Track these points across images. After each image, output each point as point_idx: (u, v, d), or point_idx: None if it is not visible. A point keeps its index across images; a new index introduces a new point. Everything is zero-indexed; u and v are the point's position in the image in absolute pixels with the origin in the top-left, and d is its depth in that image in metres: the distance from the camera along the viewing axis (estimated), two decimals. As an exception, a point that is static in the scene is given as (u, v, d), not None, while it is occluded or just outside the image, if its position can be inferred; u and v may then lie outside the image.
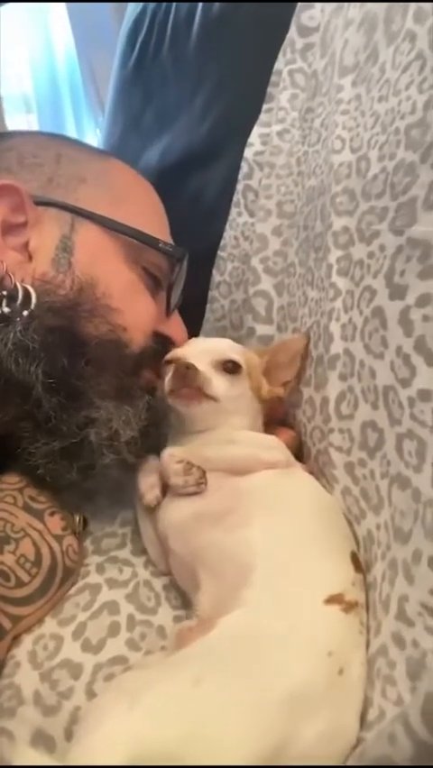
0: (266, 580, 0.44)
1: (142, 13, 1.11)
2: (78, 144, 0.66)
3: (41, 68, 2.21)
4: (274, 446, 0.55)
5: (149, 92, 1.07)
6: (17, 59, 2.15)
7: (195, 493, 0.52)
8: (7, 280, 0.51)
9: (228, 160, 0.85)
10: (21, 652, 0.46)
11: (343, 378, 0.52)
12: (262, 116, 0.77)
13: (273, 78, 0.76)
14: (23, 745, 0.37)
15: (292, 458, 0.55)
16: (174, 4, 1.03)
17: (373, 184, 0.52)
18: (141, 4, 1.13)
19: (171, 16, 1.03)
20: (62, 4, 1.88)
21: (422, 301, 0.43)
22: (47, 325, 0.51)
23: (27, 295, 0.51)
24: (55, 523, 0.52)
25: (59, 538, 0.51)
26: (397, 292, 0.46)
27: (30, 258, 0.54)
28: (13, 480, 0.53)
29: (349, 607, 0.43)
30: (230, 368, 0.57)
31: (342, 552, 0.47)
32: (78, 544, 0.52)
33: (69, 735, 0.42)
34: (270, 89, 0.77)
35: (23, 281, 0.52)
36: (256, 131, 0.77)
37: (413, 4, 0.52)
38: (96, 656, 0.47)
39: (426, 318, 0.43)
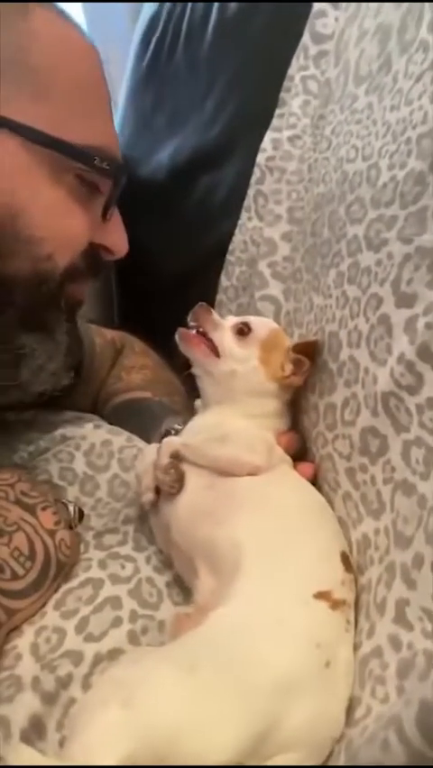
0: (253, 576, 0.45)
1: (158, 13, 1.12)
2: None
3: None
4: (258, 449, 0.54)
5: (162, 92, 1.08)
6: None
7: (172, 493, 0.53)
8: None
9: (238, 162, 0.86)
10: (23, 643, 0.47)
11: (347, 384, 0.52)
12: (275, 121, 0.78)
13: (286, 84, 0.77)
14: (19, 743, 0.38)
15: (277, 459, 0.55)
16: (189, 5, 1.04)
17: (382, 192, 0.52)
18: (156, 3, 1.14)
19: (186, 17, 1.04)
20: (78, 3, 1.88)
21: (429, 309, 0.44)
22: None
23: None
24: (47, 517, 0.52)
25: (51, 533, 0.51)
26: (404, 300, 0.47)
27: None
28: (5, 476, 0.53)
29: (336, 604, 0.44)
30: (241, 329, 0.57)
31: (331, 551, 0.48)
32: (70, 538, 0.52)
33: (60, 725, 0.43)
34: (282, 94, 0.78)
35: None
36: (268, 136, 0.77)
37: (428, 15, 0.52)
38: (98, 644, 0.47)
39: (429, 326, 0.43)
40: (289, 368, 0.56)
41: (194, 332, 0.58)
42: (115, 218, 0.55)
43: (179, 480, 0.53)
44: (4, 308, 0.48)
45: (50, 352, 0.52)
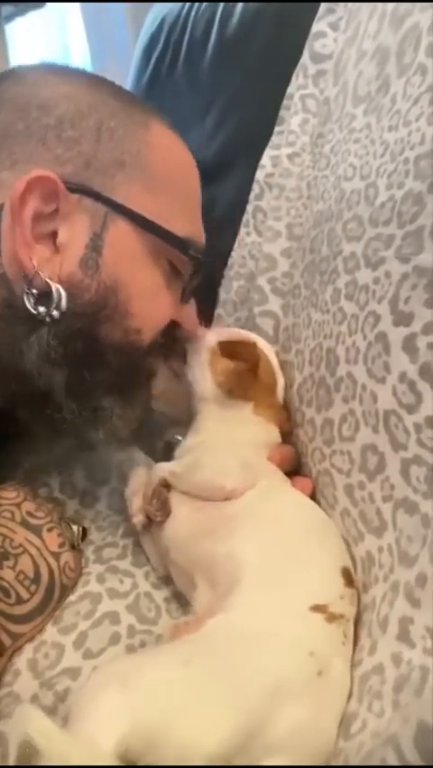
0: (251, 588, 0.46)
1: (158, 30, 1.13)
2: (119, 99, 0.57)
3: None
4: (231, 472, 0.54)
5: (162, 107, 1.08)
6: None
7: (158, 520, 0.54)
8: (37, 278, 0.49)
9: (237, 178, 0.87)
10: (21, 660, 0.47)
11: (345, 400, 0.53)
12: (274, 138, 0.78)
13: (285, 102, 0.78)
14: (33, 707, 0.38)
15: (257, 475, 0.55)
16: (190, 23, 1.05)
17: (380, 211, 0.53)
18: (157, 20, 1.15)
19: (187, 35, 1.05)
20: (79, 18, 1.90)
21: (428, 329, 0.44)
22: (70, 331, 0.50)
23: (59, 295, 0.49)
24: (53, 539, 0.52)
25: (56, 555, 0.51)
26: (401, 319, 0.47)
27: (56, 250, 0.51)
28: (10, 495, 0.54)
29: (333, 618, 0.44)
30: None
31: (331, 565, 0.48)
32: (74, 560, 0.53)
33: None
34: (281, 112, 0.79)
35: (51, 279, 0.50)
36: (268, 153, 0.78)
37: (425, 39, 0.53)
38: (96, 660, 0.48)
39: (430, 346, 0.44)
40: (226, 371, 0.59)
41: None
42: (191, 301, 0.63)
43: (163, 509, 0.54)
44: (96, 368, 0.53)
45: (127, 418, 0.56)
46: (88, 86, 0.56)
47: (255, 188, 0.79)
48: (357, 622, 0.46)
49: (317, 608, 0.44)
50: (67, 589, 0.52)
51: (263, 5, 0.89)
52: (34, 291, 0.49)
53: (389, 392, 0.47)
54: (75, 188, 0.51)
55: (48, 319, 0.49)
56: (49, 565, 0.50)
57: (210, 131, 0.95)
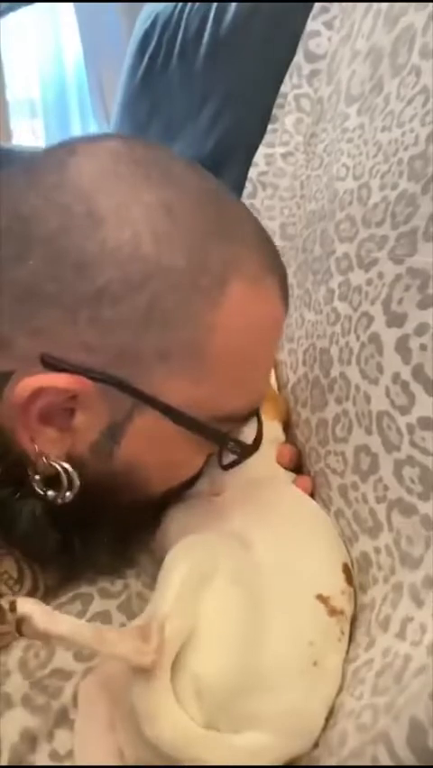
0: (266, 552, 0.46)
1: (152, 26, 1.13)
2: (193, 249, 0.42)
3: (50, 77, 2.24)
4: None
5: (155, 104, 1.09)
6: (26, 67, 2.17)
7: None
8: (40, 462, 0.43)
9: (231, 176, 0.87)
10: (11, 659, 0.46)
11: (338, 401, 0.53)
12: (267, 137, 0.78)
13: (279, 101, 0.78)
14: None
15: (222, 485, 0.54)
16: (184, 20, 1.05)
17: (373, 212, 0.53)
18: (150, 17, 1.15)
19: (181, 32, 1.05)
20: (72, 16, 1.89)
21: (420, 330, 0.44)
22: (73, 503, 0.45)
23: (68, 477, 0.44)
24: None
25: None
26: (394, 320, 0.47)
27: (67, 428, 0.43)
28: None
29: (333, 612, 0.45)
30: None
31: (333, 560, 0.48)
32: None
33: (51, 736, 0.43)
34: (275, 111, 0.78)
35: (57, 458, 0.43)
36: (261, 151, 0.78)
37: (419, 41, 0.53)
38: (88, 663, 0.47)
39: (423, 347, 0.44)
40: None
41: None
42: None
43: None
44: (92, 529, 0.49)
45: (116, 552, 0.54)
46: (159, 216, 0.41)
47: (248, 187, 0.79)
48: (353, 621, 0.46)
49: (321, 599, 0.44)
50: (51, 591, 0.51)
51: (258, 3, 0.89)
52: (37, 477, 0.44)
53: (382, 393, 0.47)
54: (99, 379, 0.42)
55: (60, 501, 0.44)
56: (31, 567, 0.50)
57: (204, 129, 0.95)
